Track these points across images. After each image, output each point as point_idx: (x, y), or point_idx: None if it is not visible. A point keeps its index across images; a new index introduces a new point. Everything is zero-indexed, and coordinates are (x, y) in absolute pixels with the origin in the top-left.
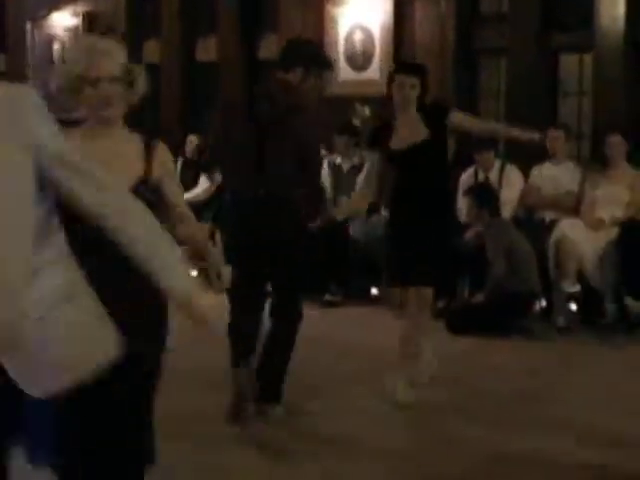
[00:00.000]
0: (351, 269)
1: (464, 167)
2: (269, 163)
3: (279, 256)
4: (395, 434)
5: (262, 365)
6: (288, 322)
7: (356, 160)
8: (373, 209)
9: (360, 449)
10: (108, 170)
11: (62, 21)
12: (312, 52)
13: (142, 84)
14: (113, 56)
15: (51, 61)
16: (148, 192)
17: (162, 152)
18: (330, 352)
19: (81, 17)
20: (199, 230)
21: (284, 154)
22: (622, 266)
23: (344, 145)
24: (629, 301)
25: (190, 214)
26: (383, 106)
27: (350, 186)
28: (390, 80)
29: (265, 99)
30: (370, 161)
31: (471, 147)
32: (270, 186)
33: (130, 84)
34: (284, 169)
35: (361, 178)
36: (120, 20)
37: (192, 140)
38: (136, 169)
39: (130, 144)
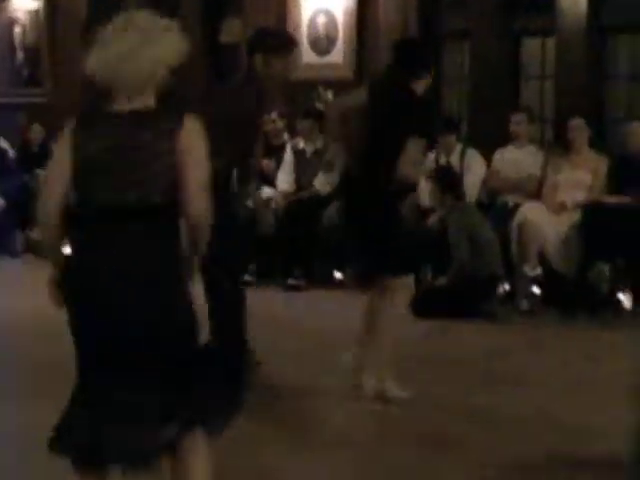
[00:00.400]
0: (315, 253)
1: (425, 152)
2: None
3: None
4: (355, 418)
5: None
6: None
7: (319, 144)
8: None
9: (320, 431)
10: None
11: (23, 4)
12: (273, 39)
13: None
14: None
15: (12, 46)
16: None
17: None
18: (291, 335)
19: (42, 1)
20: None
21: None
22: (584, 249)
23: (308, 129)
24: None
25: None
26: (346, 90)
27: (313, 170)
28: None
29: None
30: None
31: (434, 130)
32: None
33: None
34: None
35: (324, 161)
36: (82, 5)
37: None
38: None
39: None
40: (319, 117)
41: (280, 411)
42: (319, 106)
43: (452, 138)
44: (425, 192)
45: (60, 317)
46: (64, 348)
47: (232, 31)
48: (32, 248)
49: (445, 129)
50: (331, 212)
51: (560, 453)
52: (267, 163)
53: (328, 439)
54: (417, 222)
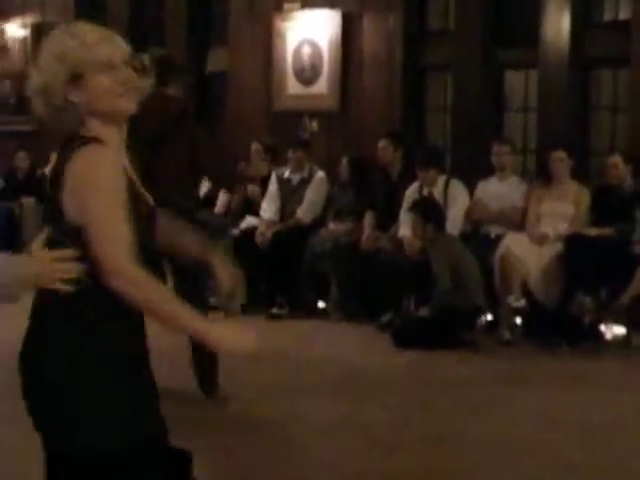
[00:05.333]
0: (298, 282)
1: (410, 182)
2: None
3: None
4: (337, 443)
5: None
6: None
7: (305, 174)
8: (320, 223)
9: (303, 457)
10: None
11: (11, 32)
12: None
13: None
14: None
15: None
16: None
17: None
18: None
19: (29, 28)
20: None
21: None
22: (566, 280)
23: (298, 159)
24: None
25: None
26: (330, 120)
27: (298, 199)
28: None
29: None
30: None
31: (414, 164)
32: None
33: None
34: None
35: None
36: None
37: None
38: None
39: None
40: (306, 146)
41: (257, 444)
42: (304, 136)
43: (434, 171)
44: (406, 223)
45: None
46: None
47: (219, 61)
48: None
49: (428, 161)
50: (314, 241)
51: None
52: (252, 189)
53: (312, 470)
54: (397, 253)
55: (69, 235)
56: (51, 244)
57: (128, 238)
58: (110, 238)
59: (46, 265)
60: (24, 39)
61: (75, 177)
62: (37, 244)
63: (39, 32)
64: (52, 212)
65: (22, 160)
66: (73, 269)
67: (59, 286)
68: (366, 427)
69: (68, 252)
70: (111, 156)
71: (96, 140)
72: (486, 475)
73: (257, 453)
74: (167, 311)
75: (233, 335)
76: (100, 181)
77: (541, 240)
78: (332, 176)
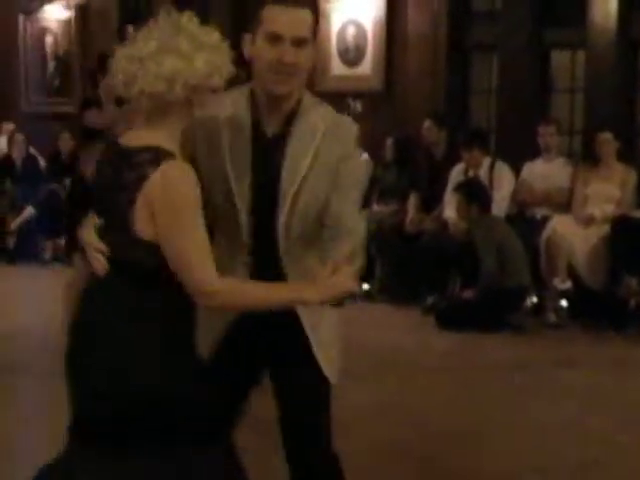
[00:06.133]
0: None
1: (454, 163)
2: None
3: None
4: (380, 426)
5: None
6: None
7: None
8: (364, 204)
9: (348, 439)
10: None
11: (55, 14)
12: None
13: None
14: None
15: (43, 55)
16: None
17: None
18: None
19: (73, 10)
20: None
21: None
22: (612, 263)
23: None
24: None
25: None
26: (374, 101)
27: None
28: None
29: None
30: None
31: (459, 145)
32: None
33: None
34: None
35: None
36: (114, 14)
37: None
38: None
39: None
40: None
41: None
42: (348, 117)
43: (478, 152)
44: (451, 204)
45: None
46: None
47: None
48: (60, 257)
49: (472, 141)
50: None
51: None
52: None
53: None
54: (442, 234)
55: (135, 244)
56: (102, 235)
57: (211, 254)
58: (199, 264)
59: None
60: (68, 20)
61: (155, 197)
62: (88, 232)
63: (83, 14)
64: (111, 213)
65: (66, 142)
66: None
67: None
68: (410, 410)
69: None
70: (191, 173)
71: (171, 155)
72: (533, 458)
73: None
74: (261, 302)
75: (323, 288)
76: (184, 202)
77: (587, 222)
78: (376, 157)
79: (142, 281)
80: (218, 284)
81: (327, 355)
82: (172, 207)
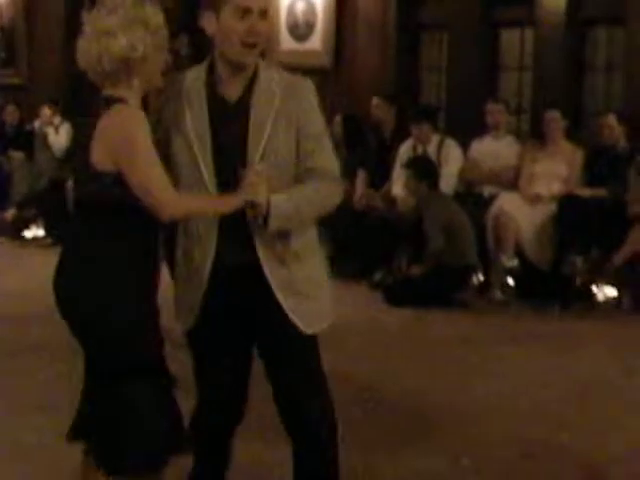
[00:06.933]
0: None
1: (402, 140)
2: None
3: None
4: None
5: None
6: None
7: None
8: None
9: None
10: None
11: None
12: None
13: None
14: None
15: None
16: None
17: None
18: None
19: None
20: None
21: None
22: (559, 241)
23: None
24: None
25: None
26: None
27: None
28: None
29: None
30: None
31: (408, 120)
32: None
33: None
34: None
35: None
36: None
37: None
38: None
39: None
40: None
41: None
42: None
43: (427, 127)
44: (399, 181)
45: (33, 299)
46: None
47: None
48: (5, 229)
49: (420, 117)
50: None
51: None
52: None
53: None
54: (390, 211)
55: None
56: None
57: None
58: (155, 181)
59: None
60: None
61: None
62: None
63: None
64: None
65: (11, 114)
66: None
67: None
68: (352, 378)
69: None
70: (141, 114)
71: (123, 101)
72: (476, 434)
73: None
74: (204, 210)
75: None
76: (135, 131)
77: (534, 200)
78: None
79: (109, 208)
80: (175, 197)
81: (305, 307)
82: (125, 136)
